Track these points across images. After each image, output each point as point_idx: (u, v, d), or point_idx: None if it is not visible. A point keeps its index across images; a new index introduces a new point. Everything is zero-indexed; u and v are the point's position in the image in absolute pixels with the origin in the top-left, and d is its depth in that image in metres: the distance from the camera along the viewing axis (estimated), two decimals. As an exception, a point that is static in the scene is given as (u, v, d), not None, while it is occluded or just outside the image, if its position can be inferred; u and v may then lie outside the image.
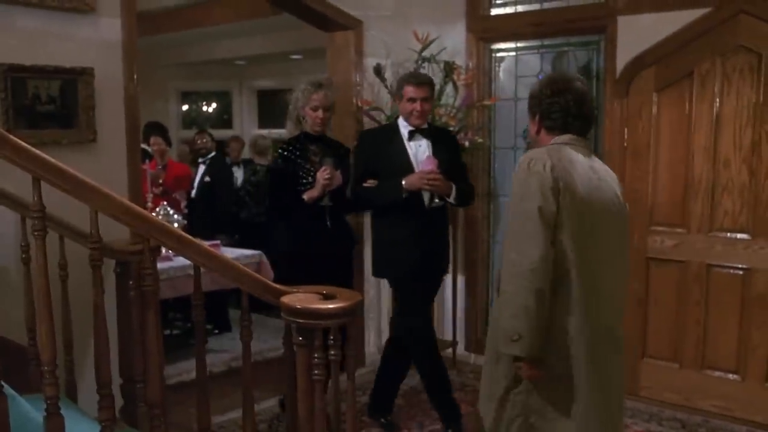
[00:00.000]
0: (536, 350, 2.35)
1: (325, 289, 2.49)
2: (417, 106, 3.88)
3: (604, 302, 2.46)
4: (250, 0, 6.75)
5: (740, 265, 4.22)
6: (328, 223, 4.03)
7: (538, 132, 2.62)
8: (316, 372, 2.35)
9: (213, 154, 7.00)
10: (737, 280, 4.23)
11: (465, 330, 5.43)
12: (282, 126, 9.37)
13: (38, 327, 2.13)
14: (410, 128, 3.97)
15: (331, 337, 2.37)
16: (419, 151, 3.95)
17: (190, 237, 2.36)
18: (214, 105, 10.38)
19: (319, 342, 2.34)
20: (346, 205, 4.22)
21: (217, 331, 6.46)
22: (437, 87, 4.98)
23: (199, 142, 7.05)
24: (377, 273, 4.29)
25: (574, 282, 2.37)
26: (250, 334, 2.53)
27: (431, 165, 3.82)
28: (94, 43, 3.71)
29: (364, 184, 4.01)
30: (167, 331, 5.99)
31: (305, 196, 3.93)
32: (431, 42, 4.98)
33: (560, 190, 2.34)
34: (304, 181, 3.99)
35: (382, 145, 4.01)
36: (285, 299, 2.37)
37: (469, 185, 4.13)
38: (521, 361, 2.41)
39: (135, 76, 3.87)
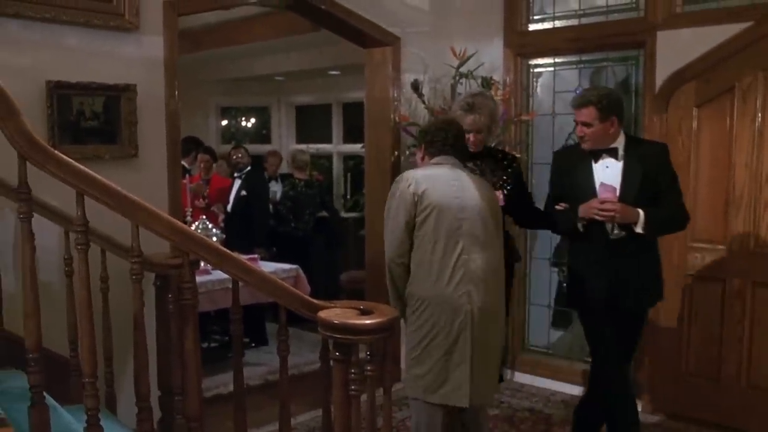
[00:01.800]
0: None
1: (362, 304, 2.50)
2: (578, 130, 3.53)
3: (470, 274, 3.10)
4: (289, 17, 6.81)
5: (783, 283, 4.13)
6: None
7: (422, 158, 3.39)
8: (352, 387, 2.35)
9: (249, 168, 7.08)
10: (780, 298, 4.15)
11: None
12: (320, 141, 9.55)
13: (80, 339, 2.17)
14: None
15: (368, 353, 2.38)
16: (606, 173, 3.52)
17: (228, 252, 2.39)
18: (252, 120, 10.50)
19: (356, 357, 2.35)
20: (523, 221, 4.10)
21: (253, 345, 6.50)
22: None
23: (234, 157, 7.15)
24: (568, 302, 4.05)
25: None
26: (288, 348, 2.55)
27: (607, 193, 3.42)
28: (137, 61, 3.79)
29: (556, 207, 3.66)
30: (205, 344, 6.05)
31: None
32: (469, 58, 4.99)
33: (416, 200, 3.11)
34: None
35: (570, 167, 3.65)
36: (322, 314, 2.39)
37: (675, 210, 3.53)
38: None
39: (176, 93, 3.94)
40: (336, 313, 2.41)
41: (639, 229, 3.39)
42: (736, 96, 4.19)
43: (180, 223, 2.39)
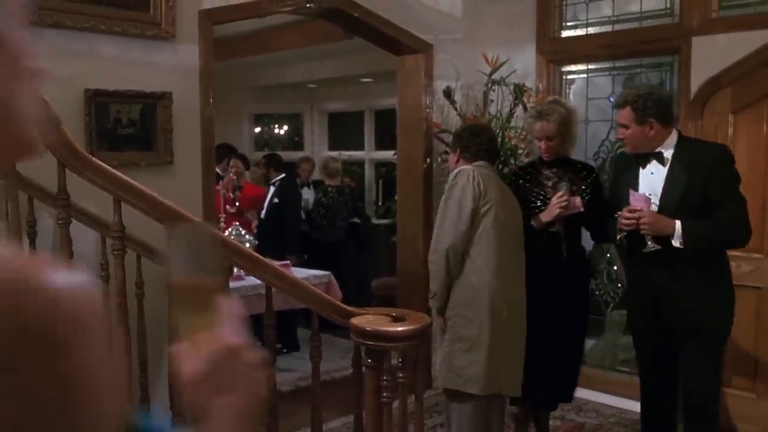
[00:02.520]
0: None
1: (394, 311, 2.51)
2: (620, 132, 3.31)
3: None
4: (321, 24, 6.86)
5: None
6: (564, 253, 3.63)
7: (456, 162, 3.52)
8: (384, 394, 2.36)
9: (282, 175, 7.14)
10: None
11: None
12: (352, 148, 9.59)
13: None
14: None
15: (401, 360, 2.39)
16: (649, 181, 3.24)
17: (262, 258, 2.41)
18: (285, 127, 10.57)
19: (388, 364, 2.36)
20: (599, 235, 3.86)
21: (285, 350, 6.53)
22: (507, 109, 5.00)
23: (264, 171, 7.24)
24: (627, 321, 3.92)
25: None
26: (320, 354, 2.57)
27: (637, 202, 3.17)
28: (173, 69, 3.85)
29: (616, 215, 3.33)
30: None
31: (533, 222, 3.62)
32: (501, 65, 4.98)
33: (481, 192, 3.26)
34: (532, 205, 3.68)
35: (621, 173, 3.44)
36: (355, 321, 2.40)
37: (726, 222, 3.16)
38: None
39: (211, 101, 3.99)
40: (368, 319, 2.42)
41: (676, 243, 3.10)
42: (772, 104, 4.15)
43: (213, 229, 2.41)
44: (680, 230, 3.08)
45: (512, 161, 4.93)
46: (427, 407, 4.26)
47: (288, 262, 6.01)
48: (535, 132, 3.64)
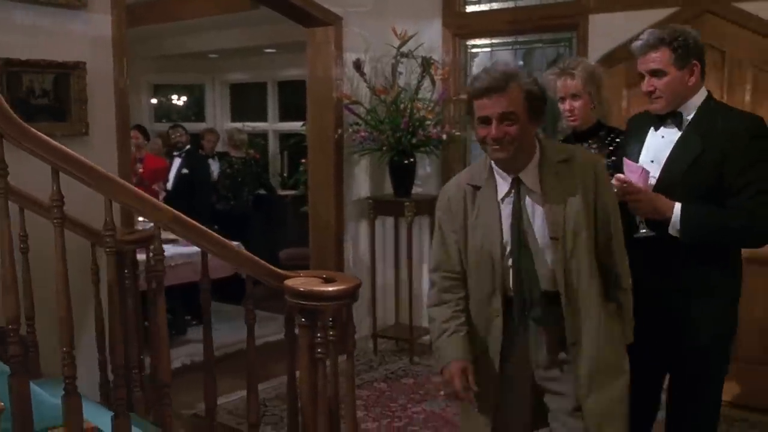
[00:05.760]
0: None
1: (324, 273, 2.63)
2: (644, 84, 2.62)
3: None
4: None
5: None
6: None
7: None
8: (319, 350, 2.50)
9: (188, 147, 7.12)
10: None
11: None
12: (255, 119, 9.56)
13: (59, 311, 2.23)
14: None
15: (331, 319, 2.53)
16: (656, 145, 2.64)
17: (200, 225, 2.48)
18: (185, 98, 10.42)
19: (321, 322, 2.49)
20: None
21: (194, 322, 6.54)
22: (415, 82, 5.17)
23: (173, 136, 7.16)
24: None
25: None
26: (254, 316, 2.67)
27: (634, 175, 2.54)
28: (85, 38, 3.81)
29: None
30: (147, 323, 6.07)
31: None
32: (410, 38, 5.14)
33: None
34: None
35: (631, 135, 2.81)
36: (289, 282, 2.52)
37: (744, 211, 2.44)
38: None
39: (125, 71, 3.97)
40: (302, 281, 2.54)
41: (672, 231, 2.49)
42: (662, 77, 4.44)
43: (152, 198, 2.47)
44: (678, 215, 2.47)
45: (421, 132, 5.12)
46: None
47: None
48: (558, 91, 3.02)
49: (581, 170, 2.25)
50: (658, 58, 2.54)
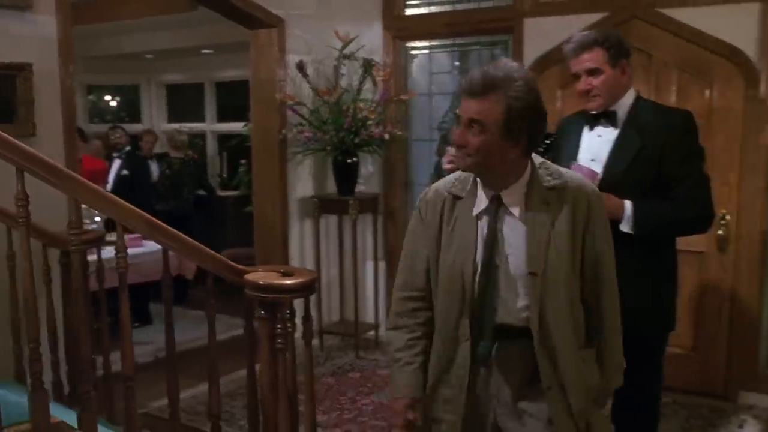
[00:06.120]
0: None
1: (282, 268, 2.73)
2: (581, 83, 2.72)
3: None
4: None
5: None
6: None
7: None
8: (279, 341, 2.60)
9: (128, 148, 7.11)
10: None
11: (386, 313, 5.72)
12: (193, 120, 9.51)
13: (24, 309, 2.28)
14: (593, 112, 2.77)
15: (288, 312, 2.63)
16: (595, 146, 2.72)
17: (160, 222, 2.56)
18: (119, 99, 10.31)
19: (281, 314, 2.59)
20: None
21: (137, 324, 6.52)
22: (357, 83, 5.29)
23: (113, 137, 7.14)
24: None
25: None
26: (215, 311, 2.76)
27: (585, 178, 2.30)
28: (31, 39, 3.82)
29: None
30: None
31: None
32: (352, 40, 5.26)
33: None
34: None
35: (565, 136, 2.87)
36: (249, 276, 2.61)
37: (686, 202, 2.61)
38: None
39: (71, 71, 3.98)
40: (261, 275, 2.64)
41: (625, 228, 2.58)
42: (593, 78, 4.68)
43: (113, 196, 2.53)
44: (630, 212, 2.58)
45: (363, 131, 5.25)
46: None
47: (140, 235, 6.01)
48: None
49: (573, 199, 1.95)
50: (593, 58, 2.66)
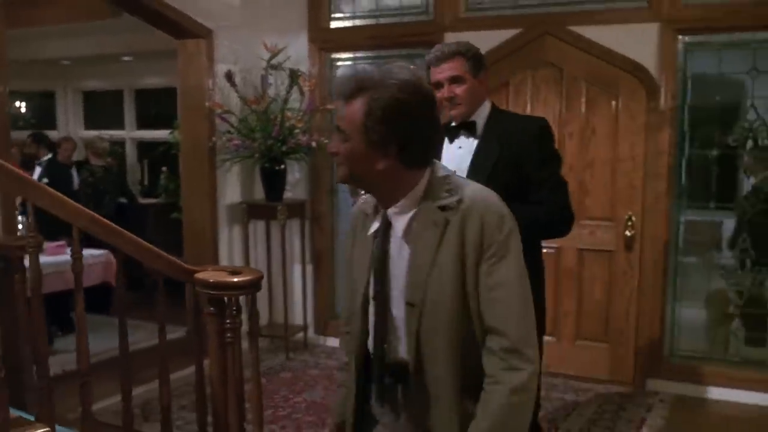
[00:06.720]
0: None
1: (229, 267, 2.90)
2: (444, 91, 2.74)
3: None
4: (86, 1, 6.81)
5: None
6: None
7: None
8: (228, 335, 2.76)
9: (49, 156, 7.06)
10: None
11: (314, 315, 5.92)
12: (111, 127, 9.43)
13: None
14: (452, 124, 2.84)
15: (234, 308, 2.80)
16: (458, 157, 2.77)
17: (117, 226, 2.68)
18: (33, 105, 10.13)
19: (229, 310, 2.76)
20: None
21: (60, 333, 6.48)
22: (284, 92, 5.46)
23: (29, 150, 7.11)
24: None
25: None
26: (163, 310, 2.89)
27: None
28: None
29: None
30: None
31: None
32: (279, 51, 5.43)
33: None
34: None
35: None
36: (199, 275, 2.77)
37: (546, 207, 2.72)
38: None
39: (6, 77, 4.02)
40: (210, 274, 2.80)
41: None
42: (510, 90, 5.01)
43: (69, 200, 2.64)
44: None
45: (291, 139, 5.42)
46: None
47: (63, 242, 6.00)
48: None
49: (461, 220, 1.64)
50: (455, 67, 2.73)
